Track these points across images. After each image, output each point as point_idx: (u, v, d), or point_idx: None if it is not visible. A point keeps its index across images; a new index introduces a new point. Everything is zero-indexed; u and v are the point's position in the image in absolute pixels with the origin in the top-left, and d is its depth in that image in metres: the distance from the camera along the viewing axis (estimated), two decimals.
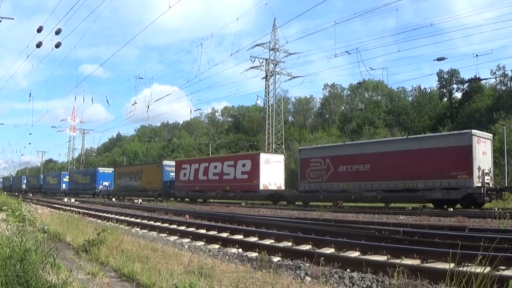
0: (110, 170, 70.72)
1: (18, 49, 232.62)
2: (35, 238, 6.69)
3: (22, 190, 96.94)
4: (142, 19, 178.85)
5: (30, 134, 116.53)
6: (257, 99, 61.38)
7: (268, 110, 57.58)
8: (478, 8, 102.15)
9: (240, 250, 11.67)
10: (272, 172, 40.91)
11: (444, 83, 77.77)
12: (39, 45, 20.78)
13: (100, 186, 67.36)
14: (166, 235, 15.65)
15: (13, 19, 22.71)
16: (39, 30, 19.54)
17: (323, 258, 8.15)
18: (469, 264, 7.09)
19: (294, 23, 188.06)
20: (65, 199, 53.38)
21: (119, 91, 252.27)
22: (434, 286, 6.96)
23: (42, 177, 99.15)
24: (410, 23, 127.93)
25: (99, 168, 73.10)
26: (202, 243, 13.28)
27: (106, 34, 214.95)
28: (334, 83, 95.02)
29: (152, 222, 20.51)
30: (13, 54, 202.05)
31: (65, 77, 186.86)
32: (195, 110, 70.05)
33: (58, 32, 19.63)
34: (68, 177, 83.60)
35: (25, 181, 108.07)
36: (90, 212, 26.25)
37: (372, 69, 60.11)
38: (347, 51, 40.19)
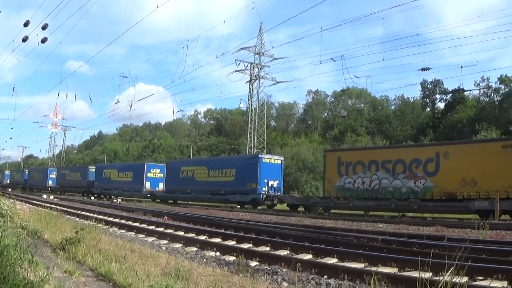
0: (278, 159, 40.69)
1: (4, 42, 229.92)
2: (15, 234, 6.63)
3: (49, 188, 71.85)
4: (132, 17, 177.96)
5: (12, 128, 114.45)
6: (240, 103, 61.17)
7: (251, 114, 57.48)
8: (467, 19, 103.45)
9: (218, 253, 11.64)
10: None
11: (427, 93, 78.67)
12: (25, 39, 20.59)
13: (264, 188, 37.92)
14: (144, 235, 15.58)
15: (0, 11, 22.54)
16: (26, 24, 19.36)
17: (300, 264, 8.19)
18: (443, 274, 7.15)
19: (283, 28, 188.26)
20: (44, 196, 49.89)
21: (104, 89, 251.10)
22: None
23: (92, 170, 63.38)
24: (397, 32, 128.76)
25: (262, 155, 40.39)
26: (180, 245, 13.24)
27: (94, 31, 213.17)
28: (317, 89, 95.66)
29: (130, 223, 20.42)
30: (0, 47, 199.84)
31: (50, 72, 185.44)
32: (178, 112, 69.82)
33: (44, 27, 19.48)
34: (157, 170, 51.90)
35: (53, 175, 74.58)
36: (69, 210, 25.99)
37: (357, 77, 60.59)
38: (332, 58, 40.34)
